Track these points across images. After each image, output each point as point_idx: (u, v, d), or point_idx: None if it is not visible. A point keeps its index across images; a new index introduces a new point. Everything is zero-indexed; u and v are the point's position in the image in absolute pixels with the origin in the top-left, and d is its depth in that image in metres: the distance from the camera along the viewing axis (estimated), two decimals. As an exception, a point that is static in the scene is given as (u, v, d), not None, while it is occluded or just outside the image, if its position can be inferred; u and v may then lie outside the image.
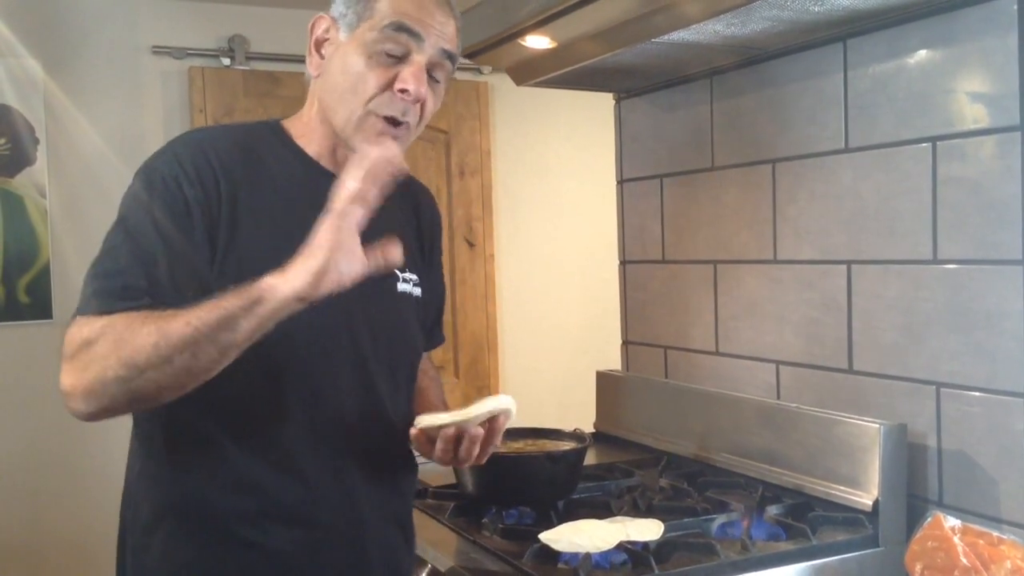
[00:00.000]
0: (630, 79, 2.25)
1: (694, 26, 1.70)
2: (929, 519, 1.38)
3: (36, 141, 3.38)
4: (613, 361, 2.53)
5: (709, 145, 2.15)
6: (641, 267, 2.42)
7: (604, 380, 2.40)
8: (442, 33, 1.33)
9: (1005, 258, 1.53)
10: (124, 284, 1.21)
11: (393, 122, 1.32)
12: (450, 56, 1.36)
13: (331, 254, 1.14)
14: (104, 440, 3.46)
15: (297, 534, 1.32)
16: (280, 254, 1.18)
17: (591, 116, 3.77)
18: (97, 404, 1.18)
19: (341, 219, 1.15)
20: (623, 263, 2.50)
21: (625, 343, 2.50)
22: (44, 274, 3.36)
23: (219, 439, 1.29)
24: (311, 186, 1.33)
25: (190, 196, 1.27)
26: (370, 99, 1.31)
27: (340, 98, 1.33)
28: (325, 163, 1.40)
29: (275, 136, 1.41)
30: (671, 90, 2.26)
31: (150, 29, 3.56)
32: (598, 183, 3.23)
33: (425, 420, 1.34)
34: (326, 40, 1.36)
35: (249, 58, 3.67)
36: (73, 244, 3.39)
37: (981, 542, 1.32)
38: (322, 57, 1.37)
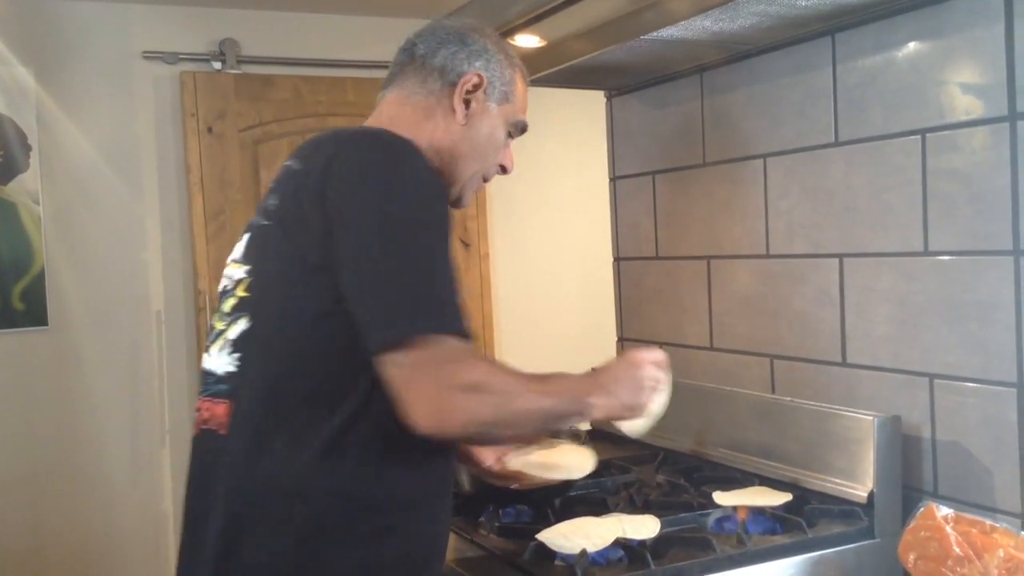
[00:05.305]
0: (620, 76, 2.25)
1: (682, 22, 1.70)
2: (922, 509, 1.38)
3: (28, 148, 3.37)
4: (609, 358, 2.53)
5: (700, 141, 2.16)
6: (635, 264, 2.42)
7: (600, 377, 2.39)
8: None
9: (996, 249, 1.53)
10: (466, 317, 1.26)
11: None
12: None
13: (650, 397, 1.42)
14: (100, 444, 3.47)
15: (449, 514, 1.42)
16: None
17: (582, 114, 3.77)
18: (448, 433, 1.25)
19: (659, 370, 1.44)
20: (617, 260, 2.50)
21: (620, 339, 2.50)
22: (39, 281, 3.34)
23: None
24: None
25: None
26: (491, 166, 1.54)
27: (478, 156, 1.51)
28: None
29: None
30: (661, 87, 2.27)
31: (141, 34, 3.56)
32: (591, 180, 3.23)
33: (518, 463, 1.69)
34: (473, 96, 1.48)
35: (240, 61, 3.67)
36: (67, 250, 3.38)
37: (974, 531, 1.32)
38: (467, 108, 1.48)
